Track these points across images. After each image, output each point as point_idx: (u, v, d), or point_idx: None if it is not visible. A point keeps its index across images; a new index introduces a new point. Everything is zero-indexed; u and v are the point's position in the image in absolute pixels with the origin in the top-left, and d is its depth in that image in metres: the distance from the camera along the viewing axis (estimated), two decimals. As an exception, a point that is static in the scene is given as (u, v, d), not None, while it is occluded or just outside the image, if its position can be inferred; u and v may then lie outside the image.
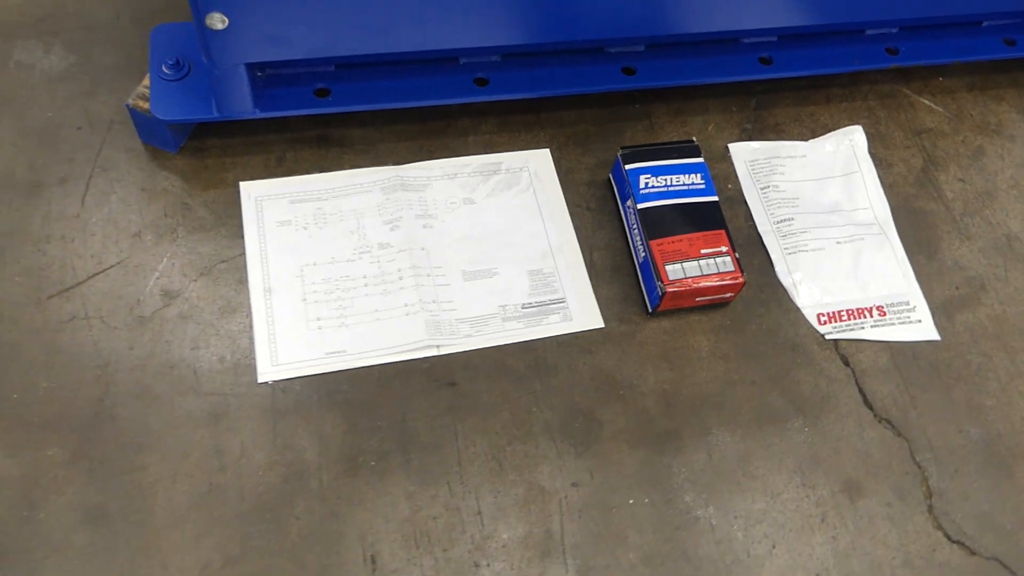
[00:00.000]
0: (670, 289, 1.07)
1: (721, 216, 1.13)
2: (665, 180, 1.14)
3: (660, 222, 1.12)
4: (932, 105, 1.37)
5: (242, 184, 1.17)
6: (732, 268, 1.09)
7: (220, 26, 0.98)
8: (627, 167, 1.15)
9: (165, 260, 1.11)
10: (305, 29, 1.02)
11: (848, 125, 1.32)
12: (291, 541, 0.96)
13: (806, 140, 1.30)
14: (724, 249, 1.10)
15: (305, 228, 1.14)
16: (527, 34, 1.11)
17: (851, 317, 1.15)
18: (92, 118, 1.20)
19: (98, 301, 1.07)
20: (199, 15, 0.96)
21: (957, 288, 1.20)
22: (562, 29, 1.11)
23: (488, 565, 0.97)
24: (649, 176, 1.15)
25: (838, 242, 1.21)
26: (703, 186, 1.15)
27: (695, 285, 1.08)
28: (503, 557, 0.97)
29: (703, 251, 1.10)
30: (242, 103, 1.11)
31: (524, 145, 1.25)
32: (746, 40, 1.27)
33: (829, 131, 1.31)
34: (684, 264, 1.09)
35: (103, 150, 1.18)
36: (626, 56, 1.23)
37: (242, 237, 1.13)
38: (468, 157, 1.22)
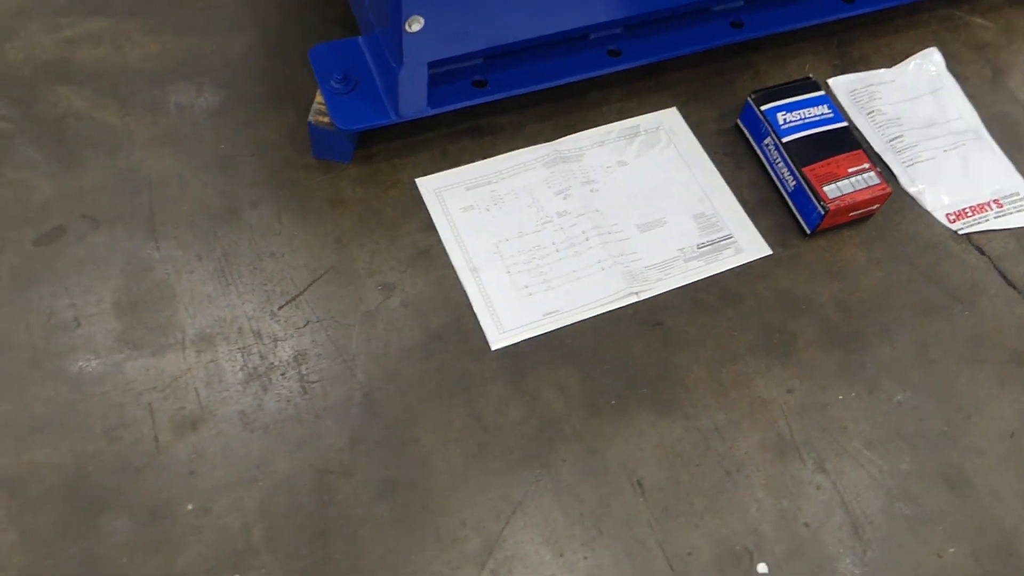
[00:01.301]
0: (832, 207, 1.20)
1: (855, 138, 1.27)
2: (799, 114, 1.28)
3: (805, 151, 1.25)
4: (984, 22, 1.53)
5: (418, 180, 1.26)
6: (878, 181, 1.23)
7: (416, 28, 1.07)
8: (763, 108, 1.28)
9: (371, 258, 1.19)
10: (484, 22, 1.12)
11: (921, 49, 1.47)
12: (565, 480, 1.06)
13: (889, 67, 1.45)
14: (867, 166, 1.24)
15: (487, 210, 1.24)
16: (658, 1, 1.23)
17: (974, 212, 1.30)
18: (260, 144, 1.28)
19: (325, 304, 1.15)
20: (401, 19, 1.05)
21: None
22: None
23: (738, 471, 1.08)
24: (785, 113, 1.28)
25: (944, 151, 1.36)
26: (831, 115, 1.29)
27: (852, 200, 1.21)
28: (748, 462, 1.09)
29: (849, 170, 1.24)
30: (418, 103, 1.20)
31: (652, 107, 1.37)
32: (825, -15, 1.41)
33: (907, 57, 1.46)
34: (837, 184, 1.22)
35: (281, 170, 1.26)
36: (730, 12, 1.36)
37: (433, 227, 1.23)
38: (608, 125, 1.34)
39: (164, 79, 1.33)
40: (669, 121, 1.35)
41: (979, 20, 1.53)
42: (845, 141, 1.26)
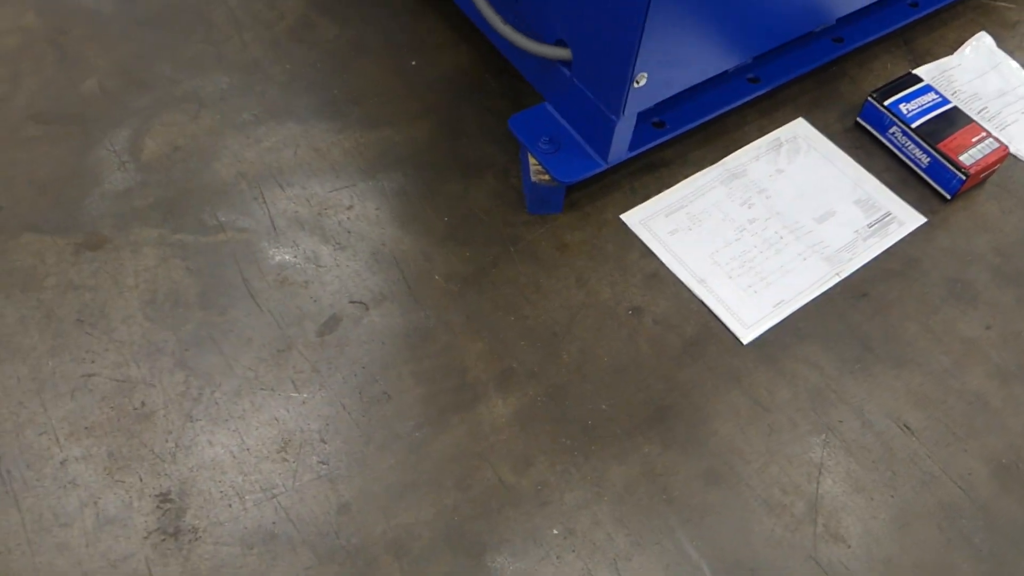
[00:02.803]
0: (972, 171, 1.43)
1: (966, 115, 1.51)
2: (917, 103, 1.51)
3: (933, 131, 1.48)
4: (1007, 4, 1.82)
5: (622, 216, 1.43)
6: (998, 144, 1.47)
7: (643, 82, 1.25)
8: (885, 103, 1.51)
9: (612, 289, 1.35)
10: (687, 69, 1.31)
11: (971, 36, 1.74)
12: (849, 437, 1.23)
13: (951, 55, 1.71)
14: (984, 134, 1.48)
15: (690, 229, 1.42)
16: (795, 29, 1.45)
17: (1065, 157, 1.56)
18: (476, 211, 1.42)
19: (592, 335, 1.29)
20: (630, 77, 1.23)
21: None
22: (819, 18, 1.46)
23: (977, 400, 1.28)
24: (905, 104, 1.51)
25: (1020, 112, 1.62)
26: (940, 99, 1.53)
27: (985, 163, 1.45)
28: (983, 391, 1.28)
29: (972, 140, 1.47)
30: (621, 149, 1.37)
31: (782, 121, 1.58)
32: (890, -3, 1.66)
33: (961, 44, 1.73)
34: (969, 152, 1.45)
35: (504, 229, 1.40)
36: (829, 31, 1.59)
37: (651, 253, 1.39)
38: (756, 142, 1.54)
39: (371, 170, 1.45)
40: (802, 130, 1.57)
41: (1004, 4, 1.82)
42: (958, 118, 1.51)
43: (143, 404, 1.19)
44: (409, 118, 1.53)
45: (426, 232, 1.39)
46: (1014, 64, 1.70)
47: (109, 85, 1.54)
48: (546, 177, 1.37)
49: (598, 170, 1.38)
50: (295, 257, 1.35)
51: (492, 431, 1.20)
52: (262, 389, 1.22)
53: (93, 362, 1.23)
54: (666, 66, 1.28)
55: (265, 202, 1.40)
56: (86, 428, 1.17)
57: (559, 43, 1.34)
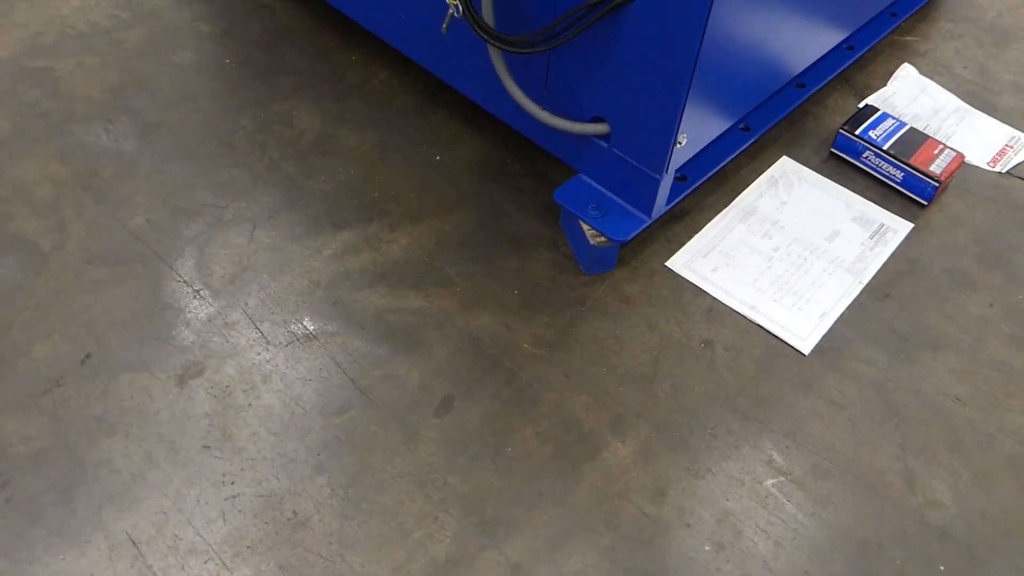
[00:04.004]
0: (943, 178, 1.68)
1: (922, 132, 1.77)
2: (881, 129, 1.76)
3: (902, 150, 1.72)
4: (914, 38, 2.13)
5: (668, 264, 1.59)
6: (955, 154, 1.73)
7: (684, 142, 1.42)
8: (856, 132, 1.75)
9: (680, 327, 1.49)
10: (712, 130, 1.49)
11: (896, 68, 2.03)
12: (916, 418, 1.40)
13: (886, 86, 1.99)
14: (942, 146, 1.74)
15: (727, 265, 1.59)
16: (778, 82, 1.67)
17: (1001, 156, 1.84)
18: (540, 281, 1.54)
19: (678, 371, 1.43)
20: (673, 140, 1.40)
21: None
22: (793, 71, 1.70)
23: (1004, 363, 1.49)
24: (872, 130, 1.75)
25: (957, 124, 1.90)
26: (898, 123, 1.78)
27: (949, 170, 1.70)
28: (1009, 356, 1.49)
29: (934, 152, 1.73)
30: (662, 203, 1.53)
31: (769, 161, 1.79)
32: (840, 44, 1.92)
33: (890, 75, 2.01)
34: (935, 163, 1.70)
35: (570, 293, 1.52)
36: (793, 80, 1.83)
37: (702, 291, 1.55)
38: (755, 182, 1.74)
39: (431, 259, 1.55)
40: (789, 166, 1.79)
41: (911, 38, 2.13)
42: (917, 136, 1.76)
43: (295, 513, 1.23)
44: (450, 207, 1.65)
45: (501, 307, 1.50)
46: (936, 86, 2.00)
47: (156, 219, 1.58)
48: (603, 239, 1.51)
49: (646, 225, 1.53)
50: (391, 351, 1.42)
51: (621, 471, 1.31)
52: (401, 477, 1.28)
53: (233, 483, 1.25)
54: (699, 126, 1.46)
55: (345, 304, 1.48)
56: (248, 547, 1.19)
57: (595, 120, 1.50)
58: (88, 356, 1.38)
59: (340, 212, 1.62)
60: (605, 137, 1.51)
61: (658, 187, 1.49)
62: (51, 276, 1.48)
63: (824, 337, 1.50)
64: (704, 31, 1.27)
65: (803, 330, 1.51)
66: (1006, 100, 2.01)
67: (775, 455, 1.35)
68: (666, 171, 1.46)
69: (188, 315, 1.44)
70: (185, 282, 1.49)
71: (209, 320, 1.44)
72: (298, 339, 1.43)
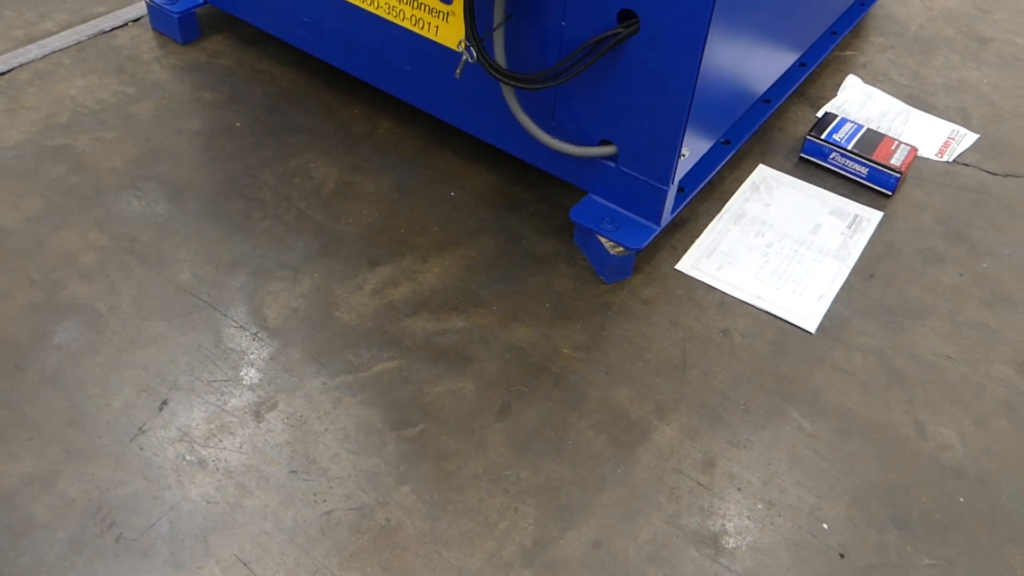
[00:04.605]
0: (903, 169, 1.90)
1: (877, 132, 1.99)
2: (843, 132, 1.98)
3: (865, 148, 1.94)
4: (852, 52, 2.38)
5: (677, 267, 1.75)
6: (909, 147, 1.96)
7: (687, 154, 1.60)
8: (822, 137, 1.96)
9: (698, 320, 1.65)
10: (706, 139, 1.67)
11: (843, 79, 2.27)
12: (916, 377, 1.58)
13: (836, 96, 2.22)
14: (897, 142, 1.96)
15: (729, 263, 1.76)
16: (753, 98, 1.87)
17: (946, 147, 2.08)
18: (566, 294, 1.68)
19: (701, 359, 1.58)
20: (678, 152, 1.57)
21: (963, 108, 2.19)
22: (763, 88, 1.90)
23: (981, 323, 1.68)
24: (835, 133, 1.97)
25: (904, 124, 2.14)
26: (856, 126, 2.00)
27: (908, 162, 1.92)
28: (984, 316, 1.69)
29: (891, 148, 1.95)
30: (668, 211, 1.70)
31: (748, 170, 1.99)
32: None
33: (838, 86, 2.25)
34: (894, 158, 1.92)
35: (595, 301, 1.67)
36: (763, 95, 2.04)
37: (712, 288, 1.72)
38: (740, 188, 1.93)
39: (465, 284, 1.69)
40: (766, 172, 1.98)
41: (850, 52, 2.38)
42: (874, 136, 1.98)
43: (388, 520, 1.33)
44: (472, 235, 1.79)
45: (536, 319, 1.64)
46: (880, 92, 2.24)
47: (202, 273, 1.68)
48: (620, 249, 1.67)
49: (657, 233, 1.70)
50: (445, 368, 1.54)
51: (672, 450, 1.45)
52: (477, 478, 1.39)
53: (325, 501, 1.35)
54: (696, 141, 1.64)
55: (394, 332, 1.59)
56: (351, 556, 1.29)
57: (603, 142, 1.67)
58: (165, 403, 1.46)
59: (373, 250, 1.75)
60: (612, 157, 1.68)
61: (665, 197, 1.66)
62: (113, 334, 1.56)
63: (825, 316, 1.68)
64: (701, 58, 1.45)
65: (806, 312, 1.69)
66: (940, 99, 2.26)
67: (803, 422, 1.51)
68: (672, 182, 1.64)
69: (251, 356, 1.54)
70: (242, 327, 1.59)
71: (271, 358, 1.54)
72: (357, 367, 1.54)
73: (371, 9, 1.85)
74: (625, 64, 1.54)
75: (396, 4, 1.80)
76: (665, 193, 1.65)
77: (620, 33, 1.49)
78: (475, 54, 1.60)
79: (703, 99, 1.56)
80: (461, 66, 1.67)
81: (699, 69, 1.47)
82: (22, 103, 2.03)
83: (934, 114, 2.20)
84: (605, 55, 1.53)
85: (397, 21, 1.82)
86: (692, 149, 1.64)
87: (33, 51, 2.19)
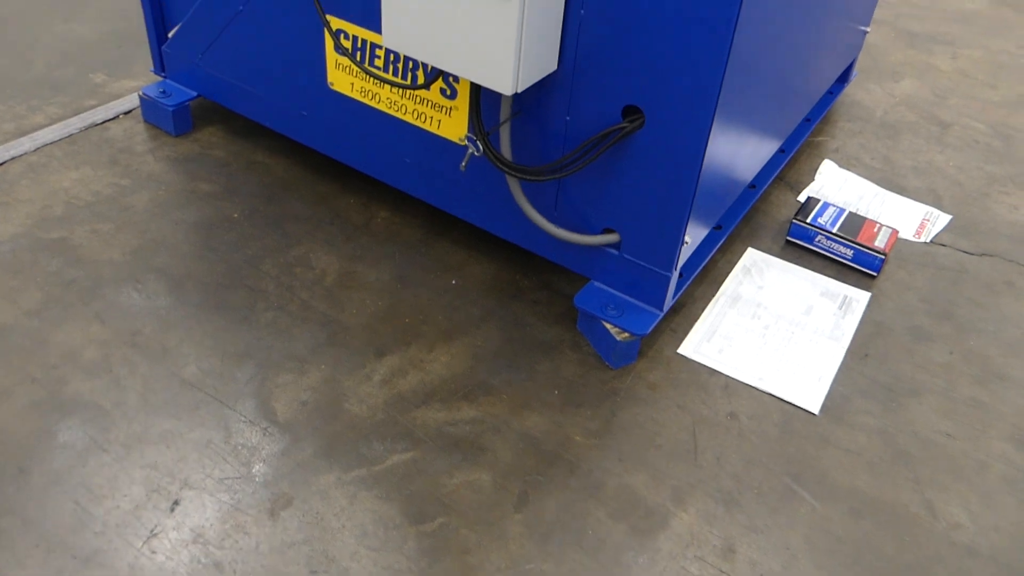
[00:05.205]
0: (887, 251, 1.97)
1: (859, 215, 2.07)
2: (827, 216, 2.06)
3: (849, 231, 2.02)
4: (823, 138, 2.49)
5: (679, 351, 1.79)
6: (891, 230, 2.04)
7: (690, 241, 1.65)
8: (807, 220, 2.04)
9: (704, 405, 1.68)
10: (704, 227, 1.73)
11: (819, 164, 2.37)
12: (919, 455, 1.62)
13: (814, 181, 2.31)
14: (879, 225, 2.05)
15: (730, 346, 1.80)
16: (743, 185, 1.95)
17: (922, 228, 2.18)
18: (575, 378, 1.70)
19: (710, 437, 1.60)
20: (681, 240, 1.62)
21: (933, 189, 2.30)
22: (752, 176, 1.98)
23: (975, 400, 1.73)
24: (819, 217, 2.05)
25: (880, 206, 2.23)
26: (838, 209, 2.09)
27: (890, 244, 2.00)
28: (978, 389, 1.75)
29: (874, 231, 2.03)
30: (669, 298, 1.74)
31: (738, 253, 2.05)
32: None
33: (815, 171, 2.35)
34: (878, 239, 2.00)
35: (601, 387, 1.69)
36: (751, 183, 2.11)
37: (715, 371, 1.75)
38: (732, 271, 1.99)
39: (472, 372, 1.69)
40: (756, 256, 2.05)
41: (822, 138, 2.49)
42: (856, 219, 2.07)
43: (412, 619, 1.31)
44: (476, 324, 1.80)
45: (546, 406, 1.65)
46: (855, 176, 2.34)
47: (207, 366, 1.66)
48: (627, 335, 1.70)
49: (660, 318, 1.73)
50: (460, 459, 1.54)
51: (691, 537, 1.45)
52: (500, 572, 1.38)
53: (346, 600, 1.32)
54: (696, 228, 1.70)
55: (405, 424, 1.59)
56: (377, 657, 1.26)
57: (606, 231, 1.71)
58: (176, 503, 1.43)
59: (379, 340, 1.75)
60: (616, 245, 1.72)
61: (669, 283, 1.70)
62: (119, 432, 1.53)
63: (826, 396, 1.72)
64: (705, 150, 1.51)
65: (808, 393, 1.72)
66: (911, 181, 2.37)
67: (815, 504, 1.53)
68: (675, 268, 1.68)
69: (263, 452, 1.52)
70: (251, 421, 1.57)
71: (283, 454, 1.52)
72: (371, 461, 1.52)
73: (372, 104, 1.89)
74: (629, 156, 1.60)
75: (399, 99, 1.85)
76: (668, 279, 1.69)
77: (626, 128, 1.55)
78: (481, 148, 1.65)
79: (704, 188, 1.62)
80: (467, 159, 1.72)
81: (703, 161, 1.53)
82: (16, 196, 2.02)
83: (907, 196, 2.31)
84: (610, 147, 1.59)
85: (399, 116, 1.87)
86: (693, 236, 1.70)
87: (25, 144, 2.19)
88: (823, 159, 2.40)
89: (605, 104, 1.57)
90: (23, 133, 2.23)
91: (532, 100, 1.65)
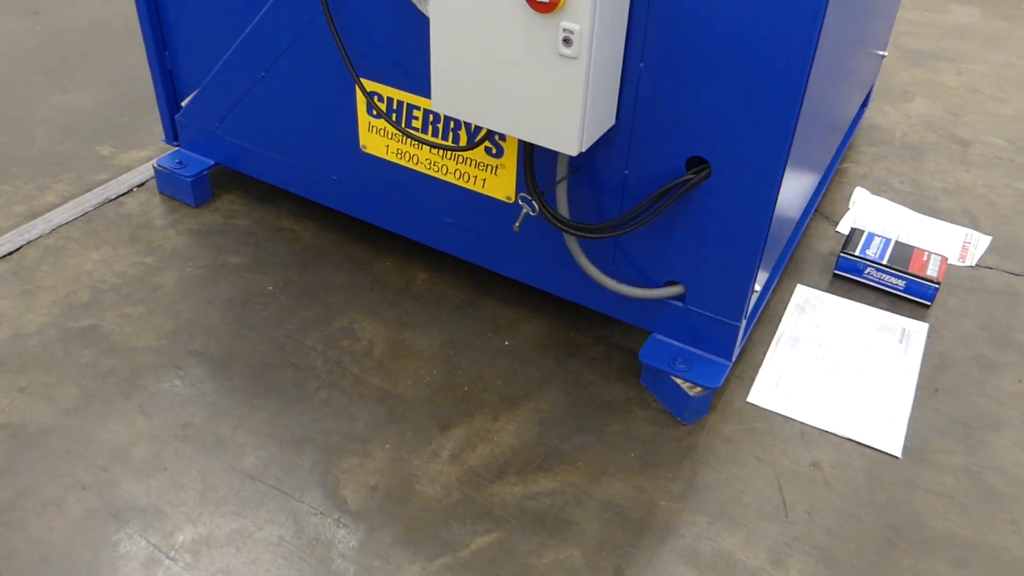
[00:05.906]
0: (940, 279, 1.94)
1: (908, 246, 2.05)
2: (874, 247, 2.02)
3: (899, 261, 1.99)
4: (850, 164, 2.47)
5: (749, 400, 1.73)
6: (940, 257, 2.01)
7: (758, 289, 1.60)
8: (855, 253, 2.00)
9: (784, 454, 1.62)
10: (767, 270, 1.68)
11: (852, 191, 2.34)
12: (998, 489, 1.57)
13: (849, 210, 2.29)
14: (927, 252, 2.02)
15: (799, 390, 1.75)
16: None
17: (965, 252, 2.15)
18: (649, 437, 1.63)
19: (795, 490, 1.54)
20: (750, 289, 1.57)
21: (967, 210, 2.28)
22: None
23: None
24: (867, 249, 2.01)
25: (919, 232, 2.20)
26: (885, 239, 2.05)
27: (942, 272, 1.97)
28: (1011, 405, 1.71)
29: (924, 258, 2.00)
30: (738, 345, 1.69)
31: (786, 290, 2.01)
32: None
33: (848, 198, 2.32)
34: (929, 267, 1.97)
35: (677, 444, 1.63)
36: (783, 218, 2.08)
37: (789, 419, 1.70)
38: (786, 312, 1.94)
39: (544, 439, 1.62)
40: (807, 293, 2.01)
41: (847, 164, 2.47)
42: (904, 248, 2.04)
43: None
44: (537, 386, 1.74)
45: (625, 471, 1.58)
46: (888, 203, 2.32)
47: (266, 456, 1.57)
48: (699, 389, 1.64)
49: (729, 368, 1.68)
50: (546, 536, 1.46)
51: (798, 603, 1.39)
52: (606, 658, 1.30)
53: None
54: (763, 273, 1.65)
55: (483, 503, 1.51)
56: None
57: (668, 283, 1.66)
58: (256, 611, 1.34)
59: (440, 412, 1.68)
60: (680, 297, 1.67)
61: (737, 333, 1.65)
62: (184, 536, 1.43)
63: (907, 437, 1.68)
64: (776, 199, 1.47)
65: (886, 435, 1.68)
66: (944, 203, 2.35)
67: (918, 556, 1.47)
68: (744, 317, 1.63)
69: (340, 546, 1.43)
70: (322, 513, 1.48)
71: (361, 546, 1.44)
72: (454, 547, 1.44)
73: (410, 166, 1.83)
74: (694, 207, 1.55)
75: (439, 160, 1.79)
76: (737, 329, 1.64)
77: (691, 179, 1.50)
78: (537, 207, 1.60)
79: (771, 234, 1.58)
80: (521, 219, 1.66)
81: (774, 209, 1.49)
82: (37, 283, 1.93)
83: (942, 219, 2.29)
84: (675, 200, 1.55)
85: (439, 176, 1.81)
86: (760, 282, 1.65)
87: (39, 226, 2.10)
88: (854, 186, 2.38)
89: (667, 156, 1.52)
90: (36, 215, 2.13)
91: (588, 155, 1.60)
